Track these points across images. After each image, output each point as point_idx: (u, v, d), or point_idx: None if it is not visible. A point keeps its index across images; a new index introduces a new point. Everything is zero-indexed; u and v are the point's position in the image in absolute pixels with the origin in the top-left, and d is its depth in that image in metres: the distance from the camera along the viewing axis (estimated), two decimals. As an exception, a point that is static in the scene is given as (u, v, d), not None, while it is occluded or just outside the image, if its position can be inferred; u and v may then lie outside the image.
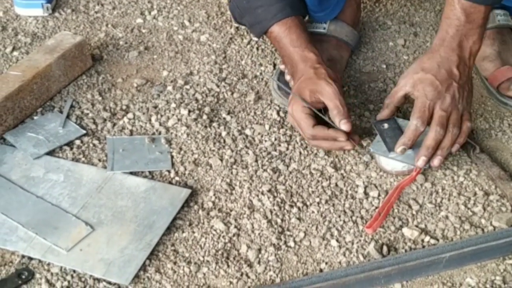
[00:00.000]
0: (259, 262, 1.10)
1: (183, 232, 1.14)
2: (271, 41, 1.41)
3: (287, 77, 1.40)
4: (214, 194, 1.21)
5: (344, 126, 1.22)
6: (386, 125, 1.25)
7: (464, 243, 1.11)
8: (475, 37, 1.23)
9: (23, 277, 1.06)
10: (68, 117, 1.35)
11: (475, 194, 1.22)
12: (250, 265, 1.10)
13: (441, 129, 1.18)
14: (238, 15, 1.44)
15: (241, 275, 1.08)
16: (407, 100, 1.26)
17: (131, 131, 1.33)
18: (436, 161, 1.19)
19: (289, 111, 1.28)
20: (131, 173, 1.24)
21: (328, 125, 1.24)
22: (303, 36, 1.35)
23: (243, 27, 1.62)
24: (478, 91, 1.45)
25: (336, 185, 1.23)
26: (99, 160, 1.27)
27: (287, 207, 1.19)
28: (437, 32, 1.26)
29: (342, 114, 1.22)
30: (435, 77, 1.21)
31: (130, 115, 1.36)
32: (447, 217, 1.18)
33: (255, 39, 1.58)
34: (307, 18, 1.48)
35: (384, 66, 1.53)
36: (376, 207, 1.19)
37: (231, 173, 1.25)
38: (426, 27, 1.65)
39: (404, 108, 1.35)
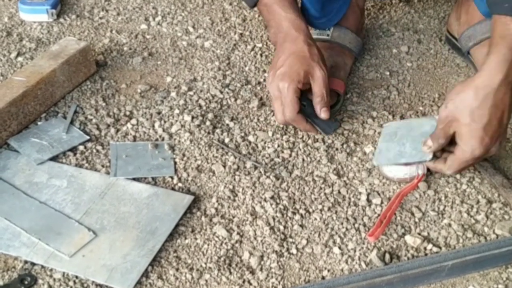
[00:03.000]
0: (261, 269, 1.10)
1: (185, 238, 1.15)
2: (260, 8, 1.41)
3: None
4: (217, 201, 1.21)
5: (324, 114, 1.29)
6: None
7: (466, 251, 1.11)
8: None
9: (26, 282, 1.06)
10: (71, 122, 1.36)
11: (478, 202, 1.22)
12: (252, 272, 1.10)
13: (454, 172, 1.21)
14: None
15: (243, 282, 1.08)
16: None
17: (135, 137, 1.34)
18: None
19: (279, 85, 1.27)
20: (134, 179, 1.24)
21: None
22: (294, 5, 1.37)
23: (247, 33, 1.62)
24: (482, 99, 1.45)
25: (339, 192, 1.23)
26: (102, 166, 1.27)
27: (289, 214, 1.19)
28: (489, 51, 1.12)
29: (324, 103, 1.28)
30: (484, 131, 1.11)
31: (133, 121, 1.37)
32: (449, 225, 1.18)
33: (259, 45, 1.58)
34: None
35: (388, 73, 1.53)
36: (379, 214, 1.19)
37: (234, 179, 1.25)
38: (430, 34, 1.65)
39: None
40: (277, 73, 1.29)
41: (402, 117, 1.39)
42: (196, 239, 1.15)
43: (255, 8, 1.43)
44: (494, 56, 1.10)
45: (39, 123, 1.35)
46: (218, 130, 1.35)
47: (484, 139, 1.12)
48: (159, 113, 1.39)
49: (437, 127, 1.18)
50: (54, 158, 1.28)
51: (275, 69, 1.30)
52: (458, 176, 1.26)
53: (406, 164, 1.23)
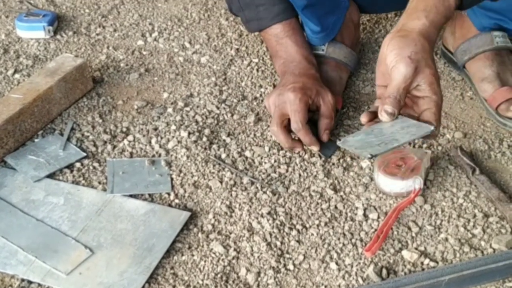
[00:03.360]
0: (258, 286, 1.10)
1: (182, 255, 1.14)
2: (266, 36, 1.44)
3: None
4: (214, 217, 1.21)
5: (326, 136, 1.32)
6: None
7: (463, 265, 1.11)
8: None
9: (22, 301, 1.06)
10: (68, 139, 1.36)
11: (474, 216, 1.22)
12: (249, 289, 1.10)
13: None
14: (236, 7, 1.47)
15: (240, 298, 1.08)
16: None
17: (131, 153, 1.34)
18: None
19: (289, 96, 1.29)
20: (131, 195, 1.24)
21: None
22: (306, 40, 1.43)
23: (243, 48, 1.63)
24: (478, 112, 1.45)
25: (336, 207, 1.23)
26: (99, 182, 1.27)
27: (286, 229, 1.19)
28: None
29: (330, 125, 1.33)
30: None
31: (130, 138, 1.37)
32: (446, 239, 1.18)
33: (255, 60, 1.59)
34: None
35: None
36: (376, 229, 1.19)
37: (231, 195, 1.25)
38: (425, 48, 1.65)
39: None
40: (287, 87, 1.31)
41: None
42: (193, 255, 1.14)
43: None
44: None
45: (36, 140, 1.36)
46: (214, 146, 1.35)
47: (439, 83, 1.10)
48: (155, 129, 1.39)
49: (396, 86, 1.07)
50: (51, 175, 1.28)
51: (283, 86, 1.32)
52: (454, 190, 1.26)
53: (399, 146, 1.08)
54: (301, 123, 1.28)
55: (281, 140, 1.31)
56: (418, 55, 1.06)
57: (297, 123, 1.28)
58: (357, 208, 1.23)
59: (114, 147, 1.35)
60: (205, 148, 1.34)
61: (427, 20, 1.09)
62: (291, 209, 1.23)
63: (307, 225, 1.20)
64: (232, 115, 1.44)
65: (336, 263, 1.13)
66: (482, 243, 1.17)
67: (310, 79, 1.34)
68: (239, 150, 1.35)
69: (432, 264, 1.13)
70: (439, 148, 1.35)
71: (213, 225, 1.20)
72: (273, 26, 1.40)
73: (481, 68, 1.46)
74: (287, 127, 1.31)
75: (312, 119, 1.34)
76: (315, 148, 1.31)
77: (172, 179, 1.28)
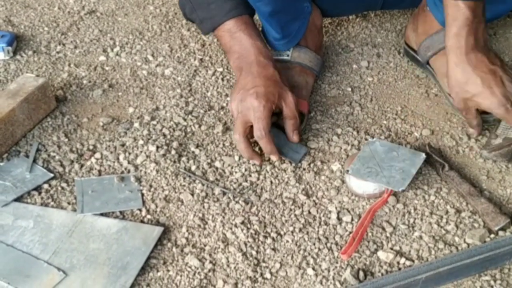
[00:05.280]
0: (236, 297, 1.09)
1: (157, 271, 1.13)
2: (219, 33, 1.43)
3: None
4: (187, 230, 1.20)
5: (296, 136, 1.33)
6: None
7: (439, 263, 1.11)
8: (482, 26, 1.30)
9: (-4, 329, 1.04)
10: (34, 161, 1.34)
11: (447, 212, 1.22)
12: (228, 300, 1.09)
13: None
14: (188, 9, 1.47)
15: (219, 311, 1.07)
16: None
17: (100, 171, 1.32)
18: None
19: (252, 103, 1.28)
20: (101, 214, 1.23)
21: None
22: (260, 35, 1.42)
23: (207, 58, 1.62)
24: (443, 108, 1.46)
25: (309, 212, 1.23)
26: (69, 203, 1.25)
27: (261, 238, 1.18)
28: (445, 37, 1.32)
29: (296, 125, 1.33)
30: (487, 86, 1.29)
31: (97, 155, 1.35)
32: (421, 237, 1.18)
33: (220, 69, 1.58)
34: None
35: (350, 89, 1.53)
36: (350, 232, 1.19)
37: (203, 207, 1.24)
38: (388, 47, 1.67)
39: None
40: (249, 92, 1.30)
41: (366, 132, 1.40)
42: (168, 271, 1.13)
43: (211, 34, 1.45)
44: (452, 36, 1.31)
45: (1, 164, 1.33)
46: (184, 158, 1.34)
47: (494, 91, 1.29)
48: (123, 145, 1.38)
49: (466, 117, 1.37)
50: (18, 199, 1.26)
51: (244, 89, 1.31)
52: (425, 187, 1.26)
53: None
54: (264, 131, 1.27)
55: (241, 149, 1.31)
56: (455, 88, 1.36)
57: (260, 130, 1.27)
58: (330, 212, 1.23)
59: (82, 166, 1.33)
60: (174, 161, 1.33)
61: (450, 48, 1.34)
62: (264, 217, 1.22)
63: (282, 232, 1.20)
64: (199, 126, 1.43)
65: (313, 269, 1.13)
66: (456, 238, 1.18)
67: (270, 80, 1.33)
68: (209, 161, 1.34)
69: (408, 263, 1.14)
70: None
71: (187, 238, 1.19)
72: (226, 22, 1.40)
73: (444, 64, 1.47)
74: (249, 136, 1.31)
75: (276, 123, 1.34)
76: (274, 158, 1.31)
77: (142, 194, 1.27)
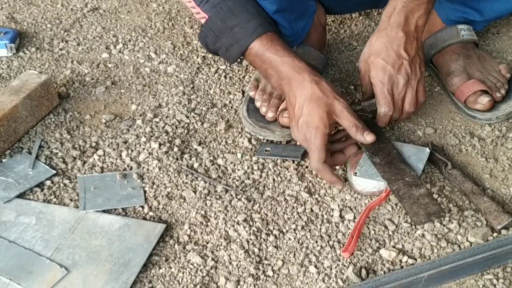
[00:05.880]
0: (238, 294, 1.09)
1: (159, 268, 1.13)
2: (250, 59, 1.34)
3: (257, 103, 1.40)
4: (189, 227, 1.20)
5: (369, 137, 1.24)
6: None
7: (441, 261, 1.11)
8: (421, 11, 1.29)
9: (-2, 325, 1.04)
10: (37, 157, 1.34)
11: (449, 210, 1.22)
12: (230, 298, 1.09)
13: (396, 112, 1.32)
14: (212, 39, 1.36)
15: (221, 308, 1.07)
16: None
17: (102, 168, 1.32)
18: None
19: (306, 135, 1.23)
20: (104, 211, 1.23)
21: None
22: (287, 47, 1.32)
23: (210, 55, 1.62)
24: (446, 107, 1.46)
25: (312, 210, 1.23)
26: (71, 199, 1.25)
27: (263, 235, 1.18)
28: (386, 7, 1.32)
29: (361, 128, 1.24)
30: (385, 61, 1.29)
31: (100, 152, 1.35)
32: (423, 235, 1.18)
33: (223, 67, 1.58)
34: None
35: (353, 87, 1.53)
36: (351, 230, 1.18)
37: (205, 204, 1.24)
38: (391, 45, 1.66)
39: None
40: (299, 123, 1.25)
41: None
42: (170, 268, 1.13)
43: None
44: (387, 8, 1.32)
45: (3, 160, 1.33)
46: (186, 156, 1.34)
47: (386, 67, 1.29)
48: (125, 142, 1.38)
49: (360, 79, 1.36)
50: (21, 195, 1.26)
51: (295, 120, 1.26)
52: (428, 186, 1.26)
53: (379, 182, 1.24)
54: (316, 163, 1.23)
55: (323, 176, 1.27)
56: (364, 54, 1.36)
57: (313, 164, 1.24)
58: (332, 209, 1.23)
59: (84, 162, 1.33)
60: (177, 159, 1.33)
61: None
62: (267, 215, 1.22)
63: (284, 230, 1.19)
64: (202, 124, 1.43)
65: (315, 266, 1.13)
66: (459, 237, 1.17)
67: (312, 100, 1.24)
68: (211, 158, 1.34)
69: (410, 261, 1.13)
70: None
71: (189, 235, 1.19)
72: (252, 44, 1.31)
73: (447, 62, 1.47)
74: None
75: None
76: (338, 187, 1.27)
77: (145, 191, 1.27)
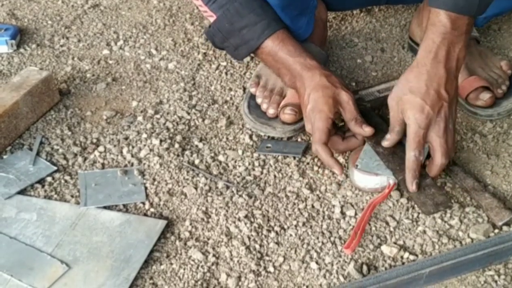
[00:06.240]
0: (239, 290, 1.09)
1: (161, 264, 1.13)
2: (262, 57, 1.37)
3: (259, 100, 1.40)
4: (191, 224, 1.20)
5: (368, 129, 1.25)
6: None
7: (443, 257, 1.11)
8: (461, 44, 1.21)
9: (0, 321, 1.04)
10: (38, 154, 1.33)
11: (451, 207, 1.22)
12: (231, 294, 1.09)
13: (445, 159, 1.20)
14: (220, 39, 1.39)
15: (222, 304, 1.07)
16: None
17: (103, 164, 1.32)
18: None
19: (311, 120, 1.25)
20: (105, 207, 1.23)
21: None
22: (299, 45, 1.35)
23: (211, 52, 1.62)
24: (448, 103, 1.46)
25: (313, 206, 1.23)
26: (72, 196, 1.25)
27: (264, 232, 1.18)
28: (423, 37, 1.23)
29: (360, 121, 1.26)
30: (424, 102, 1.18)
31: (101, 148, 1.35)
32: (424, 231, 1.18)
33: (224, 63, 1.58)
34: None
35: (354, 84, 1.53)
36: (354, 226, 1.18)
37: (207, 201, 1.24)
38: (392, 42, 1.66)
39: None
40: (307, 112, 1.27)
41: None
42: (171, 264, 1.13)
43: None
44: (425, 40, 1.22)
45: (4, 156, 1.33)
46: (187, 152, 1.34)
47: (425, 108, 1.18)
48: (126, 138, 1.38)
49: (390, 117, 1.25)
50: (22, 192, 1.26)
51: (305, 110, 1.28)
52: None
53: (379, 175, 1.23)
54: (317, 143, 1.23)
55: (322, 158, 1.26)
56: (397, 87, 1.23)
57: (314, 142, 1.24)
58: (334, 206, 1.23)
59: (85, 159, 1.33)
60: (178, 155, 1.33)
61: (420, 50, 1.23)
62: (268, 211, 1.22)
63: (285, 226, 1.19)
64: (203, 120, 1.43)
65: (317, 263, 1.13)
66: (460, 233, 1.17)
67: (319, 88, 1.26)
68: (212, 154, 1.34)
69: (411, 257, 1.13)
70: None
71: (190, 232, 1.19)
72: (262, 44, 1.33)
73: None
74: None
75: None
76: (336, 171, 1.24)
77: (146, 188, 1.27)
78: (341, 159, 1.32)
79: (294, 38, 1.36)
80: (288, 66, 1.32)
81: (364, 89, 1.35)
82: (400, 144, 1.25)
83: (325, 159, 1.24)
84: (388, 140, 1.24)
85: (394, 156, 1.24)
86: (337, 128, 1.31)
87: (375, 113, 1.33)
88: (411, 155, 1.19)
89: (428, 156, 1.23)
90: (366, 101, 1.35)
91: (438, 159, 1.20)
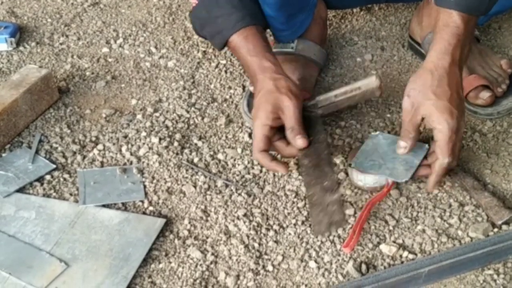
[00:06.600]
0: (238, 289, 1.09)
1: (159, 263, 1.13)
2: (232, 51, 1.37)
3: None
4: (189, 222, 1.20)
5: (300, 141, 1.21)
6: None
7: (442, 256, 1.11)
8: (470, 44, 1.22)
9: (-2, 320, 1.04)
10: (37, 152, 1.33)
11: (450, 205, 1.22)
12: (229, 293, 1.09)
13: (454, 160, 1.18)
14: (199, 26, 1.40)
15: (221, 303, 1.07)
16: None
17: (102, 162, 1.32)
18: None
19: (253, 126, 1.24)
20: (104, 205, 1.22)
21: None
22: (259, 45, 1.31)
23: (210, 50, 1.62)
24: (447, 102, 1.46)
25: (312, 205, 1.23)
26: (71, 194, 1.25)
27: (263, 230, 1.18)
28: (434, 38, 1.21)
29: (296, 131, 1.21)
30: (452, 106, 1.16)
31: (100, 147, 1.35)
32: (424, 230, 1.17)
33: (223, 62, 1.58)
34: (272, 38, 1.48)
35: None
36: (353, 225, 1.18)
37: (206, 199, 1.24)
38: (392, 41, 1.66)
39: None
40: (252, 115, 1.26)
41: (370, 125, 1.39)
42: (170, 262, 1.13)
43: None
44: (440, 41, 1.19)
45: (3, 154, 1.33)
46: (186, 150, 1.34)
47: (453, 112, 1.16)
48: (125, 136, 1.38)
49: (403, 122, 1.22)
50: (21, 190, 1.26)
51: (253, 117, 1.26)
52: (429, 181, 1.26)
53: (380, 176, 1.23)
54: (254, 152, 1.22)
55: (263, 164, 1.26)
56: (415, 91, 1.19)
57: (253, 152, 1.23)
58: (333, 204, 1.22)
59: (84, 157, 1.33)
60: (177, 153, 1.33)
61: (433, 51, 1.20)
62: (267, 210, 1.22)
63: (284, 225, 1.19)
64: (202, 118, 1.43)
65: (315, 261, 1.13)
66: (459, 232, 1.17)
67: (264, 94, 1.24)
68: (212, 153, 1.34)
69: (411, 256, 1.13)
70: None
71: (189, 230, 1.18)
72: (232, 37, 1.32)
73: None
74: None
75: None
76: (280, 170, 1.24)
77: (145, 186, 1.27)
78: (338, 159, 1.31)
79: (260, 36, 1.33)
80: (247, 65, 1.31)
81: (322, 94, 1.34)
82: (327, 156, 1.22)
83: (265, 165, 1.23)
84: (404, 148, 1.22)
85: (315, 170, 1.20)
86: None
87: (321, 123, 1.31)
88: (445, 162, 1.16)
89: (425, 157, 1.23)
90: (319, 107, 1.33)
91: (444, 159, 1.17)
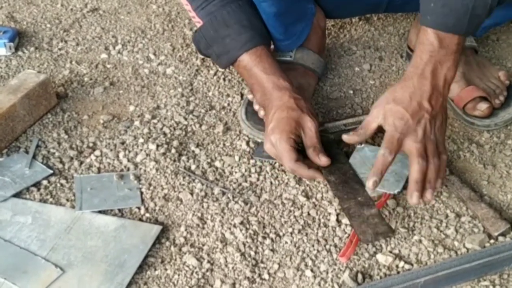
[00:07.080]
0: (233, 297, 1.09)
1: (155, 269, 1.13)
2: (239, 70, 1.39)
3: (256, 107, 1.40)
4: (186, 229, 1.20)
5: (324, 159, 1.24)
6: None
7: (438, 267, 1.11)
8: (449, 63, 1.20)
9: (-8, 325, 1.04)
10: (34, 157, 1.33)
11: (446, 216, 1.22)
12: (225, 301, 1.09)
13: (422, 160, 1.16)
14: (204, 45, 1.41)
15: (216, 311, 1.07)
16: (380, 130, 1.23)
17: (99, 168, 1.32)
18: (428, 195, 1.16)
19: (271, 140, 1.24)
20: (100, 211, 1.22)
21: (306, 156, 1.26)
22: (275, 64, 1.35)
23: (208, 58, 1.62)
24: (445, 113, 1.46)
25: (309, 214, 1.23)
26: (67, 200, 1.25)
27: (260, 238, 1.18)
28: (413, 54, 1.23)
29: (318, 150, 1.24)
30: (405, 110, 1.18)
31: (97, 152, 1.35)
32: (420, 241, 1.17)
33: (221, 69, 1.58)
34: (272, 47, 1.48)
35: (351, 92, 1.53)
36: (349, 235, 1.18)
37: (202, 206, 1.24)
38: (391, 51, 1.66)
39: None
40: (268, 130, 1.26)
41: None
42: (166, 269, 1.13)
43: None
44: (414, 57, 1.22)
45: (0, 159, 1.33)
46: (184, 157, 1.34)
47: (405, 116, 1.18)
48: (123, 143, 1.38)
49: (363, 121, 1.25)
50: (17, 195, 1.25)
51: (266, 127, 1.27)
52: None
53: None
54: (289, 164, 1.22)
55: (301, 175, 1.26)
56: (381, 98, 1.23)
57: (287, 166, 1.23)
58: (330, 214, 1.22)
59: (81, 163, 1.33)
60: (174, 160, 1.33)
61: (408, 67, 1.24)
62: (264, 218, 1.22)
63: (281, 233, 1.19)
64: (200, 126, 1.43)
65: (311, 270, 1.12)
66: (456, 243, 1.17)
67: (285, 109, 1.26)
68: (209, 160, 1.34)
69: (407, 266, 1.13)
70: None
71: (185, 237, 1.18)
72: (240, 57, 1.34)
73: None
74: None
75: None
76: (319, 179, 1.26)
77: (141, 193, 1.27)
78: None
79: (272, 56, 1.37)
80: (261, 83, 1.33)
81: (330, 122, 1.36)
82: (353, 175, 1.24)
83: (304, 174, 1.24)
84: (349, 136, 1.25)
85: (344, 186, 1.22)
86: (304, 156, 1.27)
87: (337, 146, 1.32)
88: (380, 153, 1.17)
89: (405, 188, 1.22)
90: (330, 132, 1.35)
91: (415, 163, 1.16)
